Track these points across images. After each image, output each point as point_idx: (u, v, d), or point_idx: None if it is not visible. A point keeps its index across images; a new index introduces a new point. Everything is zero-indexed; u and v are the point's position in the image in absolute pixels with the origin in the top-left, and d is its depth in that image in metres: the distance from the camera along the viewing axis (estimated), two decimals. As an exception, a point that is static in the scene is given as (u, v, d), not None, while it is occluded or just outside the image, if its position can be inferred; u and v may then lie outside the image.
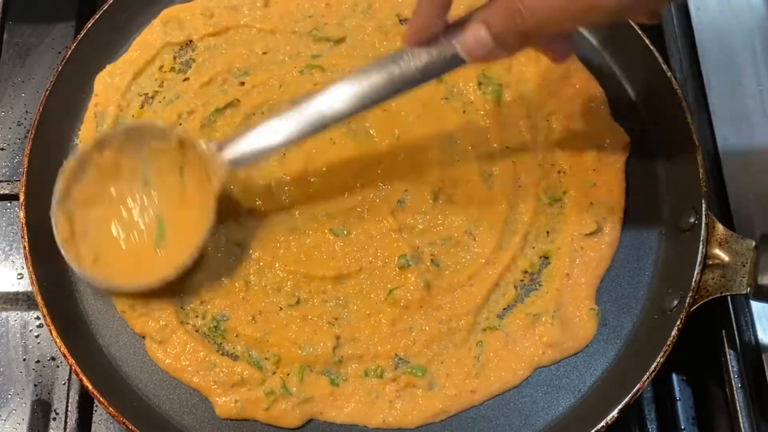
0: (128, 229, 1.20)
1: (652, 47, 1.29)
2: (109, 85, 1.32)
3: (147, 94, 1.33)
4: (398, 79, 1.07)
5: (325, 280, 1.22)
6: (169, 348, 1.19)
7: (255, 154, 1.14)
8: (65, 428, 1.19)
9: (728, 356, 1.21)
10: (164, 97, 1.32)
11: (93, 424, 1.24)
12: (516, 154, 1.28)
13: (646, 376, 1.13)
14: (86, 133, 1.30)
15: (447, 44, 1.00)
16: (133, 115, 1.31)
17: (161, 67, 1.33)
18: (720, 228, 1.20)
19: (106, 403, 1.13)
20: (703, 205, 1.20)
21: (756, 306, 1.24)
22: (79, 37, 1.31)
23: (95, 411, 1.24)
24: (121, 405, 1.14)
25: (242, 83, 1.32)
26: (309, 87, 1.31)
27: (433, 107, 1.30)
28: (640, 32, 1.30)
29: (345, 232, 1.24)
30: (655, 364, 1.13)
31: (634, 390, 1.12)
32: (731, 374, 1.20)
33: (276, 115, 1.12)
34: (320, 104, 1.09)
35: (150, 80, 1.33)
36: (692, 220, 1.21)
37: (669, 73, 1.27)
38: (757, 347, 1.22)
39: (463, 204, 1.25)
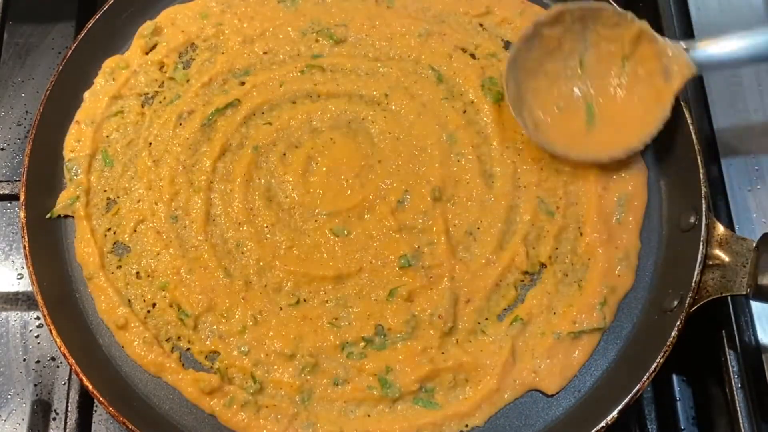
0: (561, 105, 1.25)
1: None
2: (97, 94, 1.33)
3: (147, 94, 1.33)
4: None
5: (325, 280, 1.22)
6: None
7: (727, 61, 1.18)
8: (65, 428, 1.19)
9: (728, 356, 1.21)
10: (164, 98, 1.32)
11: (93, 424, 1.24)
12: (516, 155, 1.28)
13: (646, 377, 1.13)
14: (68, 143, 1.31)
15: None
16: (131, 119, 1.32)
17: (162, 67, 1.33)
18: (720, 228, 1.19)
19: (106, 403, 1.13)
20: (704, 206, 1.19)
21: (756, 306, 1.24)
22: (80, 37, 1.31)
23: (95, 411, 1.24)
24: (121, 405, 1.15)
25: (242, 83, 1.32)
26: (309, 87, 1.31)
27: (434, 107, 1.30)
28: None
29: (345, 232, 1.24)
30: (655, 364, 1.13)
31: (634, 390, 1.12)
32: (731, 374, 1.20)
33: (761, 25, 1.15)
34: None
35: (151, 80, 1.33)
36: (692, 220, 1.21)
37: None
38: (757, 347, 1.22)
39: (464, 204, 1.25)
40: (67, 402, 1.20)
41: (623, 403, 1.12)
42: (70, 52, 1.29)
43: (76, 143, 1.30)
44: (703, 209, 1.19)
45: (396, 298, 1.21)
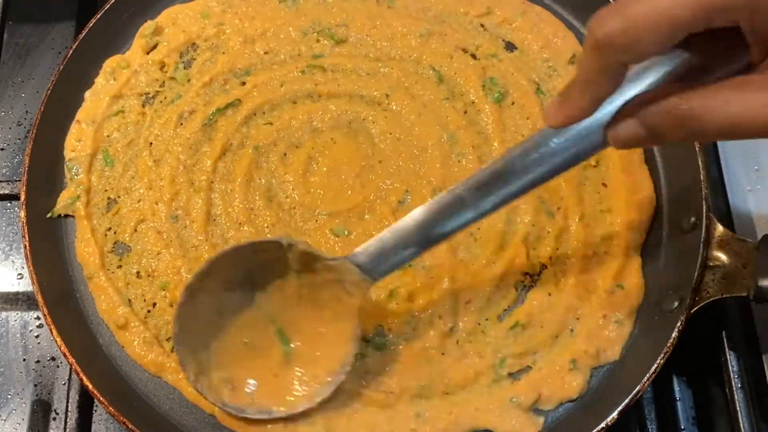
0: (252, 347, 1.15)
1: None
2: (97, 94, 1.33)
3: (148, 93, 1.33)
4: (535, 164, 0.95)
5: (326, 280, 1.22)
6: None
7: (394, 266, 1.08)
8: (65, 428, 1.19)
9: (728, 357, 1.21)
10: (165, 97, 1.33)
11: (93, 423, 1.24)
12: (517, 155, 1.28)
13: (646, 378, 1.12)
14: (69, 143, 1.31)
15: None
16: (132, 118, 1.32)
17: (163, 67, 1.33)
18: (721, 229, 1.19)
19: (106, 403, 1.13)
20: (704, 207, 1.19)
21: (756, 307, 1.24)
22: (81, 36, 1.31)
23: (95, 411, 1.24)
24: (121, 404, 1.14)
25: (243, 83, 1.32)
26: (310, 87, 1.31)
27: (434, 107, 1.30)
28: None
29: (345, 233, 1.24)
30: (656, 365, 1.13)
31: (635, 391, 1.12)
32: (731, 375, 1.20)
33: (406, 219, 1.05)
34: (464, 195, 1.01)
35: (152, 80, 1.33)
36: (693, 221, 1.21)
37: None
38: (758, 349, 1.22)
39: (464, 204, 1.25)
40: (67, 402, 1.20)
41: (623, 404, 1.12)
42: (71, 52, 1.29)
43: (76, 143, 1.30)
44: (704, 210, 1.19)
45: (396, 299, 1.21)
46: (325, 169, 1.27)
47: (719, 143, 1.33)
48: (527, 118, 1.29)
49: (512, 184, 0.97)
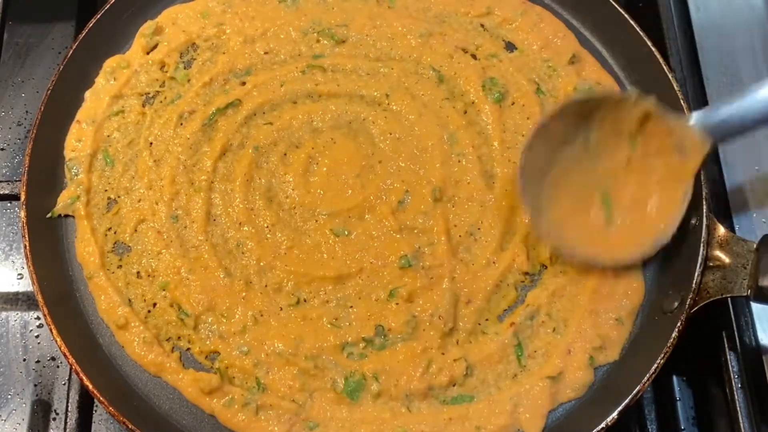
0: (577, 200, 1.20)
1: (652, 48, 1.29)
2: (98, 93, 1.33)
3: (148, 93, 1.33)
4: None
5: (326, 280, 1.22)
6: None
7: (746, 126, 1.11)
8: (65, 428, 1.19)
9: (728, 357, 1.21)
10: (165, 97, 1.33)
11: (93, 423, 1.24)
12: (517, 155, 1.27)
13: (646, 378, 1.12)
14: (69, 143, 1.31)
15: None
16: (132, 118, 1.32)
17: (163, 67, 1.33)
18: (721, 229, 1.19)
19: (106, 403, 1.13)
20: (704, 207, 1.19)
21: (756, 307, 1.24)
22: (81, 36, 1.31)
23: (95, 411, 1.24)
24: (120, 404, 1.14)
25: (243, 83, 1.32)
26: (310, 87, 1.31)
27: (435, 107, 1.30)
28: (641, 33, 1.30)
29: (346, 232, 1.24)
30: (656, 365, 1.13)
31: (635, 391, 1.12)
32: (731, 375, 1.20)
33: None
34: None
35: (152, 80, 1.33)
36: (693, 221, 1.21)
37: (669, 73, 1.27)
38: (758, 348, 1.22)
39: (464, 204, 1.25)
40: (67, 402, 1.20)
41: (623, 404, 1.12)
42: (71, 52, 1.29)
43: (77, 143, 1.30)
44: (704, 210, 1.19)
45: (396, 299, 1.21)
46: (325, 169, 1.27)
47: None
48: (527, 118, 1.29)
49: None
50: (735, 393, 1.20)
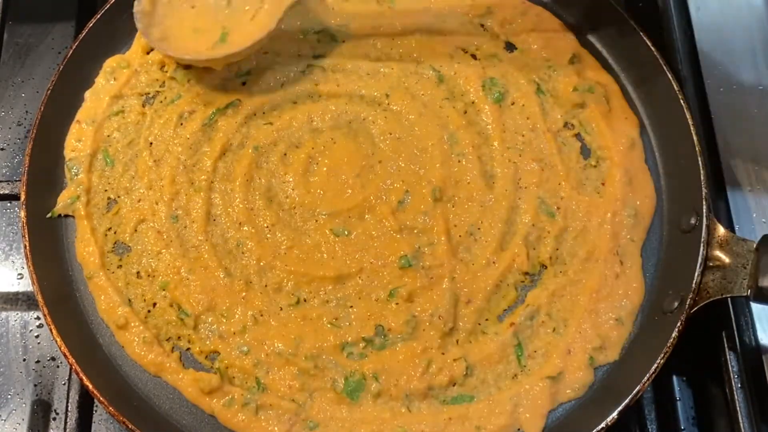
0: (198, 31, 1.28)
1: (652, 48, 1.29)
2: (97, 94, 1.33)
3: (148, 93, 1.33)
4: None
5: (326, 280, 1.22)
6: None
7: None
8: (65, 428, 1.19)
9: (728, 357, 1.21)
10: (165, 97, 1.33)
11: (93, 423, 1.24)
12: (517, 155, 1.28)
13: (646, 378, 1.13)
14: (69, 143, 1.32)
15: None
16: (132, 118, 1.32)
17: (163, 67, 1.33)
18: (721, 229, 1.19)
19: (105, 403, 1.13)
20: (704, 207, 1.19)
21: (756, 307, 1.24)
22: (81, 36, 1.31)
23: (95, 411, 1.24)
24: (120, 404, 1.15)
25: (243, 83, 1.32)
26: (310, 87, 1.31)
27: (435, 107, 1.30)
28: (641, 33, 1.30)
29: (345, 232, 1.24)
30: (656, 365, 1.13)
31: (635, 392, 1.12)
32: (731, 375, 1.20)
33: None
34: None
35: (152, 80, 1.33)
36: (693, 221, 1.21)
37: (669, 73, 1.27)
38: (758, 348, 1.22)
39: (464, 204, 1.25)
40: (67, 402, 1.20)
41: (623, 404, 1.12)
42: (71, 52, 1.29)
43: (76, 143, 1.30)
44: (704, 210, 1.19)
45: (396, 299, 1.21)
46: (325, 169, 1.27)
47: (719, 143, 1.33)
48: (527, 118, 1.29)
49: None
50: (735, 393, 1.19)
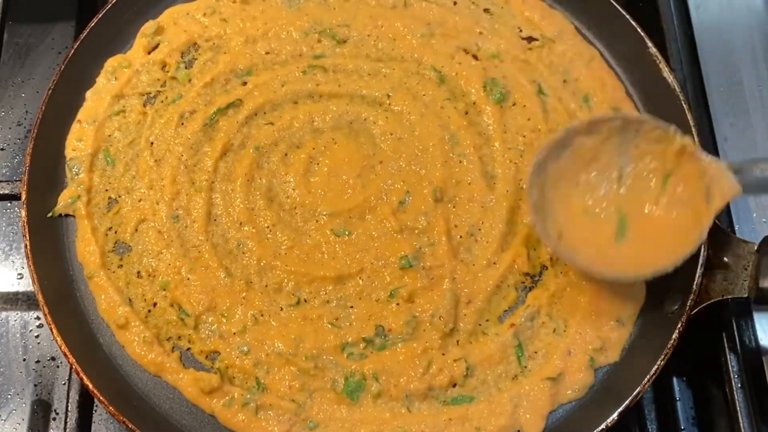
0: (591, 215, 1.18)
1: (652, 47, 1.29)
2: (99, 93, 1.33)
3: (149, 93, 1.33)
4: None
5: (326, 280, 1.22)
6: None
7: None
8: (65, 428, 1.19)
9: (729, 358, 1.21)
10: (166, 97, 1.33)
11: (93, 423, 1.24)
12: (518, 156, 1.28)
13: (646, 379, 1.13)
14: (70, 142, 1.31)
15: None
16: (133, 118, 1.32)
17: (164, 67, 1.33)
18: (721, 231, 1.19)
19: (105, 402, 1.13)
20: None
21: (757, 309, 1.24)
22: (82, 36, 1.31)
23: (95, 411, 1.24)
24: (120, 404, 1.15)
25: (245, 83, 1.32)
26: (311, 87, 1.31)
27: (436, 108, 1.30)
28: (641, 32, 1.30)
29: (346, 233, 1.24)
30: (656, 366, 1.13)
31: (635, 393, 1.12)
32: (732, 376, 1.20)
33: None
34: None
35: (153, 80, 1.33)
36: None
37: (669, 73, 1.27)
38: (758, 349, 1.22)
39: (465, 205, 1.25)
40: (67, 402, 1.20)
41: (623, 405, 1.12)
42: (72, 51, 1.29)
43: (77, 142, 1.30)
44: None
45: (397, 299, 1.21)
46: (325, 169, 1.27)
47: (719, 143, 1.33)
48: (528, 119, 1.29)
49: None
50: (735, 393, 1.20)
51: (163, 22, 1.36)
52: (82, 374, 1.15)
